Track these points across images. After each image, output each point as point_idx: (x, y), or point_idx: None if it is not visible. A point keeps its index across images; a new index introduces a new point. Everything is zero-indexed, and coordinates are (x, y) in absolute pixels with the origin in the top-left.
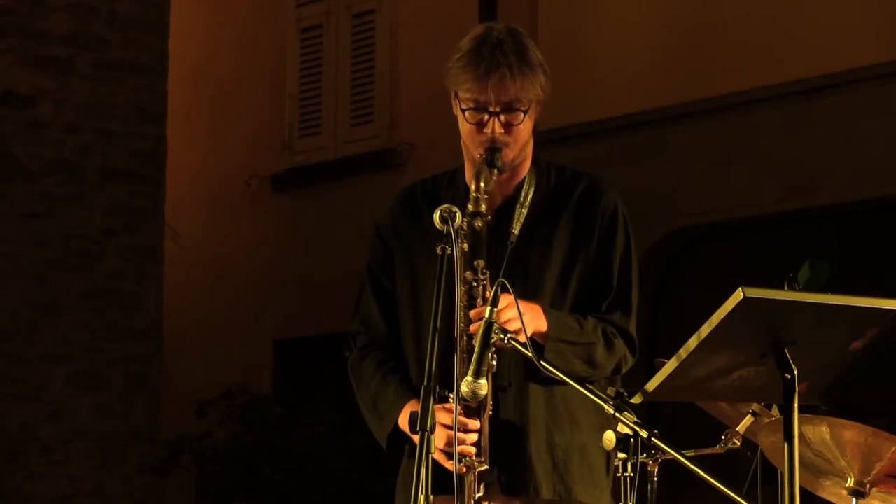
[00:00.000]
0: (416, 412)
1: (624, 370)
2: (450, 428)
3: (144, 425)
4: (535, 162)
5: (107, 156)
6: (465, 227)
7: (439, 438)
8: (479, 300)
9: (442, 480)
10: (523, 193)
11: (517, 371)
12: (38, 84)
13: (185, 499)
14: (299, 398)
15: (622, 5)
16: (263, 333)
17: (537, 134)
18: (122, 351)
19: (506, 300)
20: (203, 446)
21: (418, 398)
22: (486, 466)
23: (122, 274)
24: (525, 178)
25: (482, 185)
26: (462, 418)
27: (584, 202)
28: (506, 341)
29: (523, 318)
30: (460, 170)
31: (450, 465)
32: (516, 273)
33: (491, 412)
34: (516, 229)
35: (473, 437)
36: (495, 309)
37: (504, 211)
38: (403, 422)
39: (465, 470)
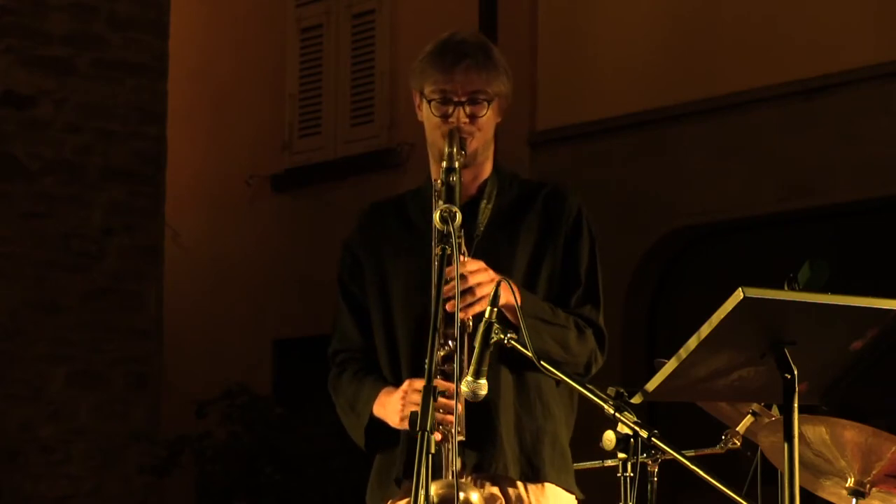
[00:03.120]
0: (416, 412)
1: (594, 369)
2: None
3: (144, 425)
4: (498, 169)
5: (107, 156)
6: (440, 183)
7: (415, 405)
8: (454, 256)
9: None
10: (487, 192)
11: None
12: (38, 84)
13: (185, 499)
14: (299, 398)
15: (622, 5)
16: (263, 333)
17: (536, 134)
18: (122, 351)
19: (476, 264)
20: (203, 446)
21: (394, 387)
22: (462, 437)
23: (122, 274)
24: (488, 179)
25: (455, 145)
26: (442, 381)
27: (549, 202)
28: (506, 342)
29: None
30: (427, 180)
31: (456, 438)
32: None
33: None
34: (482, 224)
35: (449, 402)
36: (495, 308)
37: (468, 209)
38: (378, 410)
39: (440, 438)
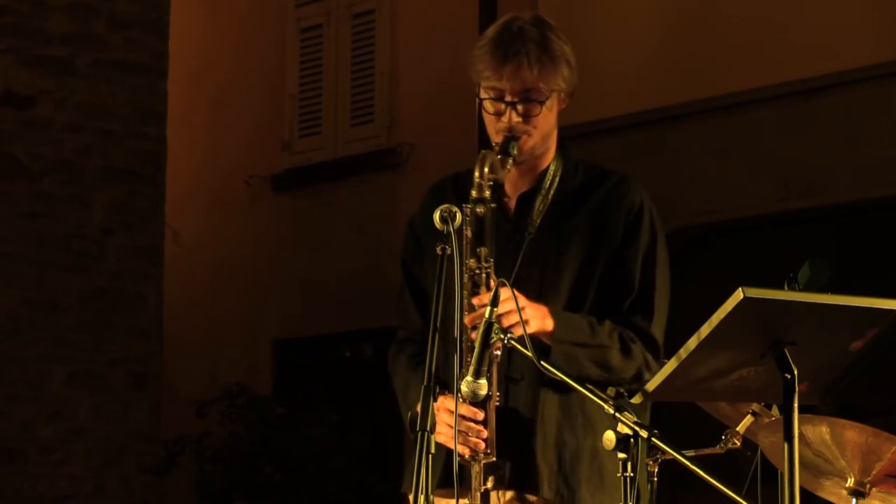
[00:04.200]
0: (416, 412)
1: (647, 376)
2: (451, 423)
3: (144, 425)
4: (565, 156)
5: (107, 156)
6: (469, 214)
7: (441, 434)
8: (483, 288)
9: (449, 473)
10: (546, 185)
11: (530, 364)
12: (38, 84)
13: (185, 499)
14: (299, 398)
15: (622, 5)
16: (263, 333)
17: None
18: (122, 351)
19: (505, 294)
20: (203, 446)
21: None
22: (493, 458)
23: (122, 274)
24: (548, 169)
25: (486, 170)
26: (469, 407)
27: (609, 199)
28: (506, 341)
29: (525, 316)
30: None
31: (456, 445)
32: (534, 265)
33: (498, 403)
34: (537, 220)
35: (482, 430)
36: (495, 309)
37: (525, 201)
38: None
39: (468, 454)
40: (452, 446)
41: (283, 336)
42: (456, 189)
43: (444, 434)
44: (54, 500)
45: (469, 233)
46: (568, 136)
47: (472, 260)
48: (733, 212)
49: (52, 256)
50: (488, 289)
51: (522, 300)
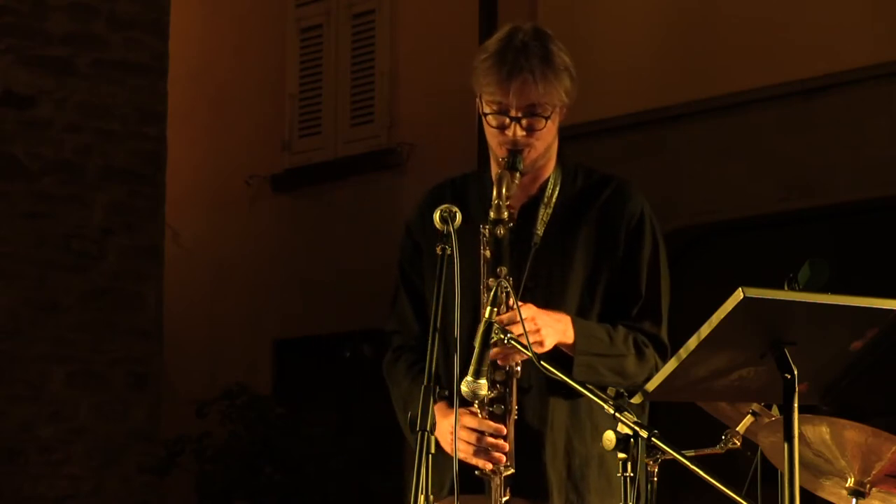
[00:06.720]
0: (415, 413)
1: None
2: (477, 431)
3: (144, 425)
4: (563, 162)
5: (107, 156)
6: (486, 235)
7: (465, 442)
8: (503, 307)
9: (468, 480)
10: (547, 194)
11: (539, 374)
12: (38, 84)
13: (185, 499)
14: (299, 398)
15: (622, 5)
16: (263, 333)
17: None
18: (122, 351)
19: (526, 311)
20: (203, 446)
21: (446, 400)
22: (512, 471)
23: (122, 274)
24: (549, 178)
25: (504, 191)
26: (491, 423)
27: (610, 206)
28: (506, 342)
29: (551, 329)
30: (488, 168)
31: (479, 462)
32: (540, 276)
33: (516, 417)
34: (540, 230)
35: (505, 444)
36: (495, 308)
37: (527, 211)
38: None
39: (490, 468)
40: (474, 462)
41: (283, 336)
42: (454, 193)
43: (463, 451)
44: (54, 500)
45: (487, 253)
46: (568, 136)
47: (491, 279)
48: (733, 212)
49: (52, 256)
50: (508, 307)
51: (544, 317)
